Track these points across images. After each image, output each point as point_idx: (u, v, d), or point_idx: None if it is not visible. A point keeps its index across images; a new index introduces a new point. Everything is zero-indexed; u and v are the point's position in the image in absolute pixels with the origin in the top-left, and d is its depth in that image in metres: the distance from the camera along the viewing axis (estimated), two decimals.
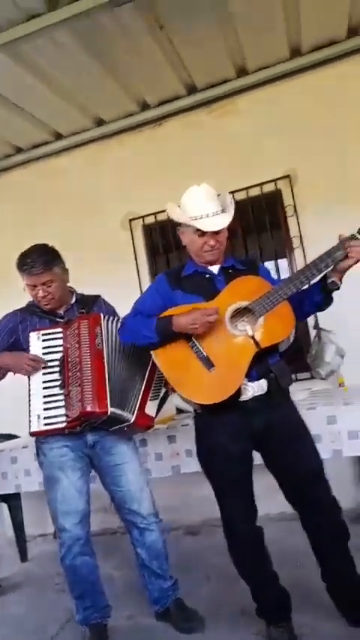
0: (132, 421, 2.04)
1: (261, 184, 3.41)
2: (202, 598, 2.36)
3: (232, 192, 3.45)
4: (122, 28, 2.71)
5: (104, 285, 3.52)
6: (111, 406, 1.96)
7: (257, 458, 1.92)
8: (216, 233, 1.86)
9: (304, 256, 3.35)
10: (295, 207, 3.37)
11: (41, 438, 2.12)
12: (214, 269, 1.94)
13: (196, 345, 1.80)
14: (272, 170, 3.39)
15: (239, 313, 1.82)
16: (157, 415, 2.16)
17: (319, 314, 3.15)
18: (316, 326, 3.14)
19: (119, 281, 3.62)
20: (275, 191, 3.43)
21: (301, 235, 3.35)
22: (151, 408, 2.10)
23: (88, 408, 1.93)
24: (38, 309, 2.23)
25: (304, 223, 3.36)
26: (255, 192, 3.45)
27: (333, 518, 1.85)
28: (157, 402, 2.14)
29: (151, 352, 1.88)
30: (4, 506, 3.46)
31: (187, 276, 1.95)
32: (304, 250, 3.36)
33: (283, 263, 3.54)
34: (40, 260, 2.08)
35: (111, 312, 2.31)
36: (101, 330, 2.06)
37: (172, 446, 2.63)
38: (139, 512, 2.15)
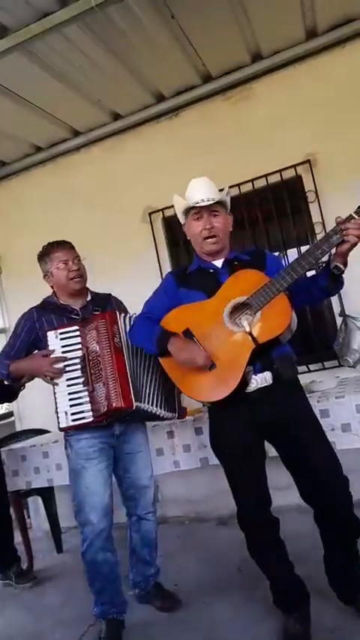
0: (177, 417, 2.25)
1: (280, 171, 3.35)
2: (234, 589, 2.38)
3: (252, 180, 3.41)
4: (133, 20, 2.69)
5: (126, 279, 3.57)
6: (135, 401, 2.03)
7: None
8: (213, 217, 1.90)
9: None
10: (316, 192, 3.30)
11: (71, 431, 2.16)
12: (218, 263, 1.95)
13: (197, 345, 1.81)
14: (292, 155, 3.32)
15: (240, 308, 1.82)
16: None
17: (345, 301, 3.11)
18: (342, 313, 3.08)
19: (141, 274, 3.63)
20: (295, 177, 3.37)
21: (323, 221, 3.28)
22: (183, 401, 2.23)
23: (114, 405, 1.99)
24: (52, 305, 2.28)
25: (326, 209, 3.28)
26: (275, 178, 3.39)
27: (344, 515, 1.79)
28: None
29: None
30: (39, 499, 3.55)
31: (191, 272, 2.00)
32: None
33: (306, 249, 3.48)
34: (69, 243, 2.31)
35: (122, 309, 2.39)
36: (119, 328, 2.11)
37: (199, 438, 2.64)
38: (142, 499, 2.30)
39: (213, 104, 3.57)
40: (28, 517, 3.89)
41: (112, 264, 3.70)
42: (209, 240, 1.91)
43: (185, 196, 1.96)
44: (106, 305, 2.33)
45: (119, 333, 2.09)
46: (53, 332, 2.15)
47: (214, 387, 1.80)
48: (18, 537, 3.15)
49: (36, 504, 3.89)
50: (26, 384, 2.95)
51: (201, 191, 1.90)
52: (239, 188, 3.40)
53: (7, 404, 4.48)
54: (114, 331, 2.07)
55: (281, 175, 3.37)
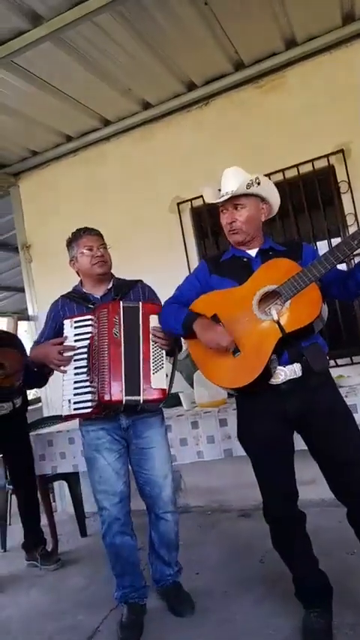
0: (141, 401, 2.05)
1: (312, 160, 3.29)
2: (256, 581, 2.39)
3: (283, 170, 3.35)
4: (165, 7, 2.67)
5: (153, 269, 3.57)
6: (126, 395, 2.01)
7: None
8: (235, 210, 1.88)
9: None
10: (349, 183, 3.23)
11: (82, 421, 2.21)
12: (252, 252, 1.93)
13: (222, 327, 1.80)
14: (324, 145, 3.25)
15: (269, 297, 1.79)
16: (170, 384, 2.16)
17: None
18: None
19: (168, 264, 3.64)
20: (328, 167, 3.30)
21: (356, 212, 3.21)
22: (157, 381, 2.07)
23: (105, 397, 2.00)
24: (76, 294, 2.31)
25: (359, 200, 3.21)
26: (307, 168, 3.33)
27: None
28: (162, 372, 2.10)
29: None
30: (65, 484, 3.63)
31: (225, 260, 1.97)
32: (359, 227, 3.22)
33: (337, 242, 3.41)
34: (96, 230, 2.31)
35: (150, 297, 2.32)
36: (119, 318, 2.08)
37: (223, 429, 2.63)
38: (159, 498, 2.23)
39: (244, 92, 3.52)
40: (54, 501, 3.98)
41: (139, 254, 3.71)
42: (231, 232, 1.91)
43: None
44: (129, 292, 2.28)
45: (119, 324, 2.07)
46: (69, 320, 2.17)
47: (236, 373, 1.78)
48: (44, 520, 3.23)
49: (61, 488, 3.98)
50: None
51: (226, 184, 1.89)
52: (270, 178, 3.34)
53: (36, 390, 4.57)
54: (113, 322, 2.06)
55: (313, 165, 3.30)
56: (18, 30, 2.66)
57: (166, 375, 2.12)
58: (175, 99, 3.62)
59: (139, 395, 2.04)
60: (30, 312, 4.36)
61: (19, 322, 5.19)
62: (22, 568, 3.15)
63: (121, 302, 2.13)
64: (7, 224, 5.16)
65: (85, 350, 2.10)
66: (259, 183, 1.88)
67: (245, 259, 1.92)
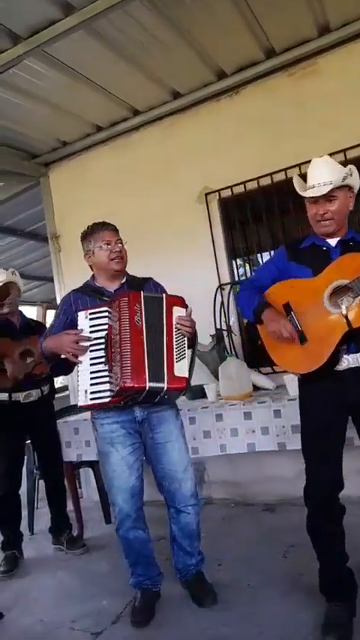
0: (165, 388, 2.05)
1: (345, 150, 3.20)
2: (279, 575, 2.38)
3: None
4: None
5: (180, 260, 3.58)
6: (149, 381, 2.01)
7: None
8: (328, 202, 1.86)
9: None
10: None
11: (94, 413, 2.22)
12: (332, 242, 1.94)
13: (293, 319, 1.89)
14: (358, 134, 3.16)
15: (342, 290, 1.83)
16: (190, 374, 2.13)
17: None
18: None
19: (195, 256, 3.62)
20: None
21: None
22: (180, 370, 2.09)
23: (127, 384, 1.98)
24: (89, 287, 2.32)
25: None
26: (338, 158, 3.24)
27: None
28: (184, 361, 2.11)
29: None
30: (90, 471, 3.69)
31: (305, 248, 2.00)
32: None
33: None
34: (113, 225, 2.32)
35: (160, 292, 2.29)
36: (140, 307, 2.08)
37: (247, 422, 2.62)
38: (179, 492, 2.22)
39: (275, 81, 3.44)
40: (80, 487, 4.05)
41: (166, 245, 3.71)
42: (322, 222, 1.89)
43: (308, 174, 1.93)
44: (142, 288, 2.26)
45: (140, 312, 2.07)
46: (83, 312, 2.16)
47: (302, 360, 1.87)
48: (69, 505, 3.29)
49: (87, 475, 4.05)
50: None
51: (317, 175, 1.88)
52: (300, 168, 3.28)
53: (63, 378, 4.64)
54: (134, 310, 2.06)
55: (345, 155, 3.21)
56: (50, 19, 2.66)
57: (188, 365, 2.12)
58: (205, 88, 3.57)
59: (164, 382, 2.03)
60: (58, 302, 4.41)
61: (47, 311, 5.29)
62: (49, 552, 3.23)
63: (142, 292, 2.14)
64: (36, 214, 5.23)
65: (102, 340, 2.09)
66: (351, 175, 1.88)
67: (325, 248, 1.93)
